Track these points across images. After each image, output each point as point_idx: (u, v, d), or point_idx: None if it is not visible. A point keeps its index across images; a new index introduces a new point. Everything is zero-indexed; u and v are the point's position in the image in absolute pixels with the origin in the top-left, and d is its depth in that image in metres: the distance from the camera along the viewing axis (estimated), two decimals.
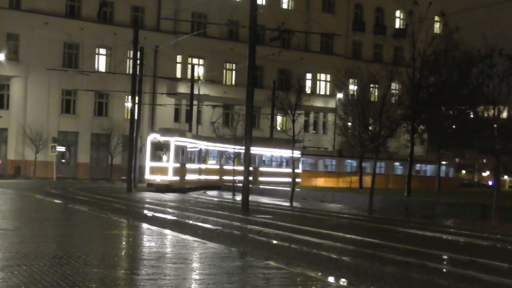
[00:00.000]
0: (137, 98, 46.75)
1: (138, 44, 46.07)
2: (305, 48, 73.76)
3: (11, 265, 10.80)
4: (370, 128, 33.86)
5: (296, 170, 41.17)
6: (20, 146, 59.64)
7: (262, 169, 59.24)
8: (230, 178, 46.87)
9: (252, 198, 32.83)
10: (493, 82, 30.02)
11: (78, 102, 63.03)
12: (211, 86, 66.90)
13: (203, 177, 51.71)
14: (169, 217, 24.63)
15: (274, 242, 17.17)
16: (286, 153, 56.56)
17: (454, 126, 37.91)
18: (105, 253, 13.01)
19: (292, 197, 37.14)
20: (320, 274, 11.26)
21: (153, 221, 21.72)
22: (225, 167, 53.13)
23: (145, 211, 27.35)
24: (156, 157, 46.76)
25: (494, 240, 20.46)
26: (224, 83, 69.98)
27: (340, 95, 65.23)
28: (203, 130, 65.04)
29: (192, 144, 49.25)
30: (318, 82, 76.30)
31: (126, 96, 58.49)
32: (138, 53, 47.09)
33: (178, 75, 67.43)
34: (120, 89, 59.72)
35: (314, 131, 74.93)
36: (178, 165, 46.70)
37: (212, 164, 53.83)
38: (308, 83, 73.15)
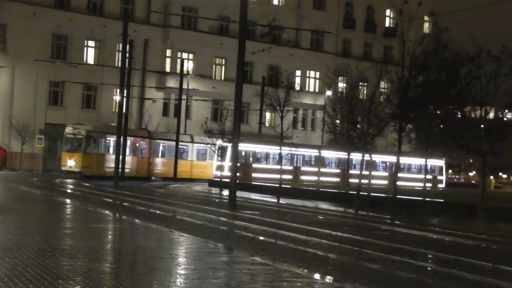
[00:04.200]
0: (125, 91, 46.65)
1: (128, 37, 46.02)
2: (295, 44, 73.71)
3: None
4: (358, 126, 33.91)
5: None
6: (6, 137, 59.25)
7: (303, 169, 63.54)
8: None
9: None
10: (480, 83, 30.18)
11: (66, 94, 62.64)
12: (200, 80, 66.83)
13: None
14: (152, 210, 24.64)
15: (261, 238, 17.21)
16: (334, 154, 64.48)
17: (441, 126, 37.94)
18: (91, 246, 13.02)
19: (279, 194, 37.30)
20: (306, 271, 11.29)
21: (139, 215, 21.74)
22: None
23: (136, 206, 27.34)
24: None
25: (479, 240, 20.57)
26: (213, 78, 69.88)
27: (329, 93, 65.16)
28: (191, 124, 65.08)
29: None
30: (307, 79, 76.30)
31: (115, 89, 58.20)
32: (128, 46, 47.06)
33: (168, 69, 67.27)
34: (109, 82, 59.61)
35: (302, 128, 74.96)
36: None
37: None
38: (298, 80, 72.98)
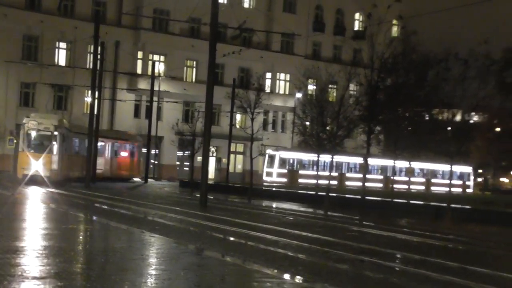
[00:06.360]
0: (97, 93, 46.37)
1: (99, 39, 45.73)
2: (266, 47, 73.76)
3: None
4: (327, 128, 34.03)
5: None
6: None
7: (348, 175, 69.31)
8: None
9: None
10: (448, 85, 30.47)
11: (37, 96, 62.18)
12: (171, 82, 66.73)
13: None
14: (124, 211, 24.56)
15: (231, 239, 17.23)
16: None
17: (410, 128, 38.20)
18: (62, 247, 12.96)
19: (250, 195, 37.43)
20: (276, 271, 11.32)
21: (109, 215, 21.66)
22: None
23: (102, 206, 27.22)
24: None
25: (446, 240, 20.74)
26: (184, 80, 69.69)
27: (299, 95, 65.33)
28: (162, 126, 64.92)
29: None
30: (277, 81, 76.42)
31: (86, 91, 57.93)
32: (99, 47, 46.75)
33: (139, 71, 67.01)
34: (80, 84, 59.27)
35: (272, 130, 75.18)
36: None
37: None
38: (268, 82, 73.25)
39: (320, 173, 61.50)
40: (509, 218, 30.66)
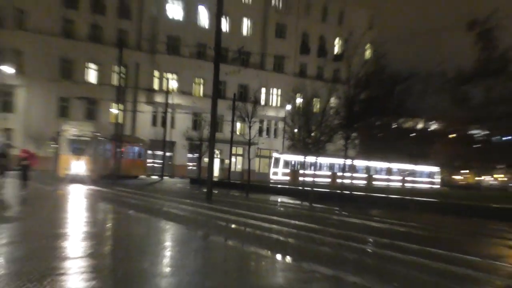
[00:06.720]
0: (121, 105, 46.35)
1: (122, 61, 45.79)
2: (261, 67, 73.77)
3: (14, 242, 10.77)
4: (312, 134, 34.05)
5: None
6: (24, 144, 58.61)
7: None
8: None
9: None
10: (412, 99, 30.55)
11: (71, 108, 62.23)
12: (182, 97, 66.72)
13: None
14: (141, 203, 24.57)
15: (232, 226, 17.26)
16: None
17: (380, 134, 38.25)
18: (94, 232, 13.03)
19: (247, 190, 37.41)
20: (269, 252, 11.38)
21: (132, 206, 21.68)
22: None
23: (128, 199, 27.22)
24: None
25: (409, 227, 20.78)
26: (193, 94, 69.65)
27: (288, 107, 65.26)
28: (175, 132, 64.90)
29: None
30: (271, 95, 76.28)
31: (112, 104, 57.93)
32: (122, 68, 46.80)
33: (155, 87, 66.99)
34: (107, 98, 59.33)
35: (267, 136, 75.05)
36: None
37: None
38: (263, 96, 73.13)
39: (317, 172, 63.69)
40: (460, 208, 30.80)
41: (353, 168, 48.98)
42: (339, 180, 64.39)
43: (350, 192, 35.44)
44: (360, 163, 66.95)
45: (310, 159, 61.68)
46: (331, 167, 68.04)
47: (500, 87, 43.59)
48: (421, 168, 79.81)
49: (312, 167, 63.76)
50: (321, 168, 68.38)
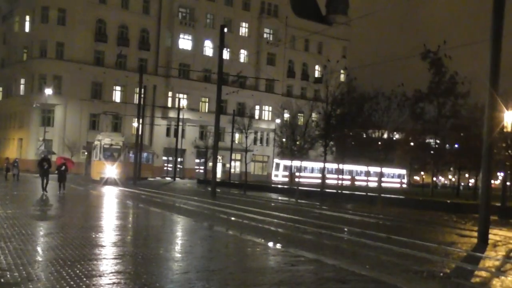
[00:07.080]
0: (140, 120, 46.27)
1: (142, 84, 45.71)
2: (255, 88, 73.84)
3: (52, 233, 10.64)
4: (297, 142, 34.05)
5: None
6: (61, 152, 58.53)
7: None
8: None
9: None
10: (378, 114, 30.59)
11: (100, 122, 62.04)
12: (191, 112, 66.67)
13: None
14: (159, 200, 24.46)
15: (232, 218, 17.19)
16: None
17: (353, 143, 38.26)
18: (118, 224, 12.93)
19: (245, 188, 37.23)
20: (263, 240, 11.32)
21: (149, 203, 21.57)
22: None
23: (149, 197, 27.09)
24: None
25: (377, 219, 20.76)
26: (200, 110, 69.63)
27: (278, 120, 65.38)
28: (185, 142, 64.79)
29: None
30: (263, 111, 76.32)
31: (134, 118, 57.85)
32: (142, 89, 46.72)
33: (169, 105, 66.93)
34: (130, 114, 59.47)
35: (260, 144, 75.01)
36: None
37: None
38: (257, 112, 73.21)
39: (310, 174, 64.53)
40: (418, 203, 30.80)
41: (340, 171, 49.38)
42: (328, 181, 64.11)
43: (324, 189, 35.37)
44: (346, 167, 66.65)
45: (306, 164, 61.99)
46: (321, 170, 67.47)
47: (449, 104, 43.90)
48: (393, 171, 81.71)
49: (305, 170, 64.18)
50: (313, 171, 68.68)
